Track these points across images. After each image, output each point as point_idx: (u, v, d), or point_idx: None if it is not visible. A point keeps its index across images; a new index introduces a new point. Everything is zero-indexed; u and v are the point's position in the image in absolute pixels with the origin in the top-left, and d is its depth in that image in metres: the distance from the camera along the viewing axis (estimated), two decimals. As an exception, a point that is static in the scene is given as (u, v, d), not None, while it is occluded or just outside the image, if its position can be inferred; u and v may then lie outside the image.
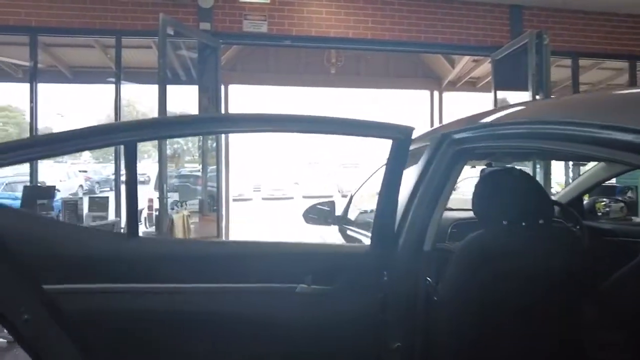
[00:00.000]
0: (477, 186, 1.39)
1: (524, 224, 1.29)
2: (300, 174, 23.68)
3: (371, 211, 2.57)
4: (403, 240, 1.26)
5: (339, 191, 20.96)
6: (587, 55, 5.85)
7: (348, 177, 21.80)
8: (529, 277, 1.24)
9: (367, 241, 2.02)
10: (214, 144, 5.90)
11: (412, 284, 1.25)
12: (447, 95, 8.61)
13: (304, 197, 19.69)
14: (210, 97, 5.74)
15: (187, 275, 1.16)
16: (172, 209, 5.00)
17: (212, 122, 1.33)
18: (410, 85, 9.04)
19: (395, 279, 1.24)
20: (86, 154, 38.24)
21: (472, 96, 9.05)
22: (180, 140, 6.94)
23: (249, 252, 1.29)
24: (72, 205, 4.25)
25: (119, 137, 1.12)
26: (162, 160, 4.54)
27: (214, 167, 5.77)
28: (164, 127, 1.26)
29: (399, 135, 1.14)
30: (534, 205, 1.32)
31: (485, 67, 7.59)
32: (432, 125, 8.54)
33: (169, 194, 4.88)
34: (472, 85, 8.59)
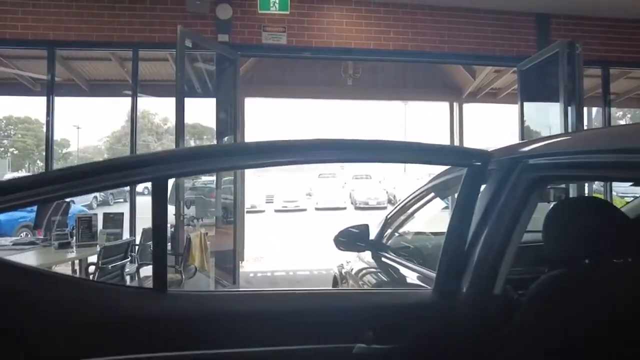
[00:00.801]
0: (549, 217, 1.20)
1: (609, 262, 1.10)
2: (313, 186, 23.49)
3: (408, 234, 2.38)
4: (470, 283, 1.08)
5: (352, 203, 20.72)
6: (618, 64, 5.62)
7: (361, 188, 21.55)
8: (619, 328, 1.03)
9: (405, 271, 1.84)
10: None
11: (481, 335, 1.06)
12: (467, 106, 8.40)
13: (316, 209, 19.48)
14: (228, 110, 5.64)
15: (226, 337, 0.98)
16: (189, 225, 4.87)
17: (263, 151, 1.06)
18: (430, 97, 8.86)
19: (463, 331, 1.05)
20: (101, 165, 38.51)
21: (493, 108, 8.85)
22: None
23: (297, 307, 1.08)
24: (86, 222, 4.12)
25: (146, 172, 0.94)
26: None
27: (229, 178, 5.64)
28: (211, 157, 1.02)
29: (475, 162, 0.96)
30: (622, 240, 1.12)
31: (506, 78, 7.38)
32: (452, 137, 8.32)
33: (186, 211, 4.75)
34: (493, 96, 8.38)
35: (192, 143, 6.32)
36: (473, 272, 1.08)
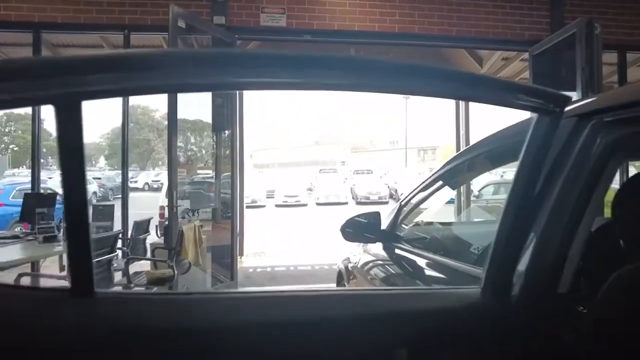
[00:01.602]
0: (623, 195, 0.93)
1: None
2: (314, 181, 23.23)
3: (425, 224, 2.12)
4: (527, 279, 0.82)
5: (353, 198, 20.45)
6: (636, 49, 5.33)
7: (362, 183, 21.28)
8: None
9: (427, 264, 1.59)
10: (227, 151, 5.52)
11: (542, 345, 0.80)
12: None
13: (317, 204, 19.21)
14: (225, 101, 5.38)
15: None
16: (184, 217, 4.63)
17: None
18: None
19: (519, 340, 0.79)
20: (101, 161, 38.47)
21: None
22: (194, 147, 6.54)
23: (293, 315, 0.76)
24: (74, 214, 3.87)
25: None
26: (172, 166, 4.17)
27: (228, 173, 5.40)
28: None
29: (551, 106, 0.70)
30: None
31: (515, 66, 7.09)
32: (457, 129, 8.04)
33: (180, 202, 4.50)
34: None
35: (192, 140, 6.05)
36: (531, 266, 0.82)
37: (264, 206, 18.55)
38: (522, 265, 0.84)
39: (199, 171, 5.40)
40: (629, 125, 0.80)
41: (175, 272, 3.54)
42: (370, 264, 2.12)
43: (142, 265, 4.55)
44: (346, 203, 19.37)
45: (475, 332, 0.80)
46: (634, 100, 0.80)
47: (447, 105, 8.36)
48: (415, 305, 0.81)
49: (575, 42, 4.23)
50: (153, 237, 5.08)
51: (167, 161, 4.44)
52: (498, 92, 0.73)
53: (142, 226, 4.32)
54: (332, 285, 3.18)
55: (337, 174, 26.58)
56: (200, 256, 4.00)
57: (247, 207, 13.70)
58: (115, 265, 3.52)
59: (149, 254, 4.30)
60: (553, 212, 0.83)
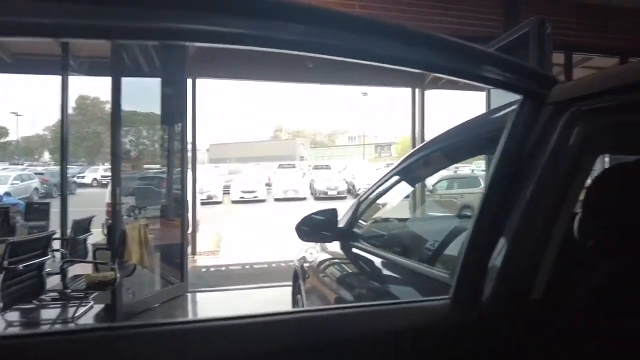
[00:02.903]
0: (595, 190, 0.86)
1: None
2: (272, 176, 22.95)
3: (383, 220, 2.03)
4: (498, 285, 0.72)
5: (312, 194, 20.38)
6: (581, 50, 5.56)
7: (321, 179, 21.26)
8: None
9: (386, 265, 1.49)
10: (180, 145, 5.23)
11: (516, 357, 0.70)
12: (429, 93, 8.22)
13: (276, 199, 18.98)
14: (174, 92, 5.08)
15: None
16: (130, 216, 4.32)
17: None
18: (392, 83, 8.59)
19: (491, 353, 0.69)
20: (46, 156, 36.04)
21: (455, 95, 8.75)
22: (147, 141, 6.13)
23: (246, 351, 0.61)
24: (1, 214, 3.49)
25: None
26: (115, 160, 3.86)
27: (179, 168, 5.12)
28: None
29: (536, 87, 0.60)
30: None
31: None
32: (413, 125, 8.13)
33: (126, 199, 4.20)
34: (456, 83, 8.24)
35: (144, 134, 5.69)
36: (505, 270, 0.73)
37: (220, 202, 18.08)
38: (495, 270, 0.74)
39: (146, 166, 5.07)
40: (609, 115, 0.72)
41: (118, 275, 3.26)
42: (327, 264, 2.00)
43: (86, 268, 4.22)
44: (305, 199, 19.27)
45: (446, 349, 0.70)
46: (615, 87, 0.72)
47: (404, 102, 8.44)
48: (376, 327, 0.69)
49: (529, 40, 4.32)
50: (99, 237, 4.72)
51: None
52: (479, 65, 0.62)
53: (83, 226, 3.98)
54: (287, 289, 3.04)
55: (296, 169, 26.42)
56: (147, 257, 3.73)
57: (202, 203, 13.27)
58: (50, 269, 3.19)
59: (90, 256, 3.97)
60: (528, 212, 0.74)
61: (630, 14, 5.45)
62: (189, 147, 7.16)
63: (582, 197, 0.86)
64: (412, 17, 4.84)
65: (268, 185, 21.34)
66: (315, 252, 2.18)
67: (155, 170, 5.33)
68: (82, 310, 3.31)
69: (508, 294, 0.72)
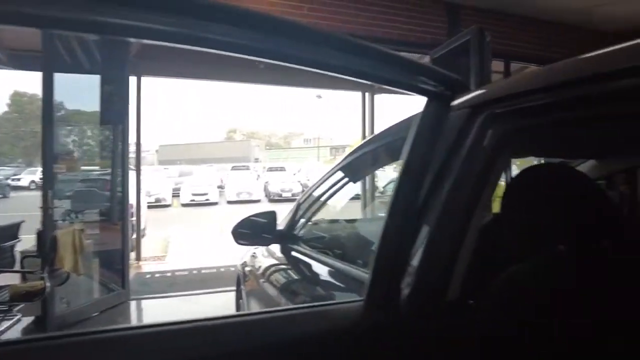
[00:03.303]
0: (509, 193, 0.89)
1: (590, 247, 0.82)
2: (225, 178, 22.49)
3: (326, 222, 2.02)
4: (414, 286, 0.72)
5: (266, 196, 20.18)
6: (517, 59, 5.89)
7: (275, 180, 21.10)
8: (609, 330, 0.76)
9: (321, 267, 1.47)
10: (120, 145, 4.98)
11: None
12: (378, 97, 8.38)
13: (229, 202, 18.60)
14: (115, 90, 4.83)
15: None
16: (64, 220, 4.05)
17: None
18: (342, 85, 8.68)
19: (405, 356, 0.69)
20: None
21: (404, 99, 8.98)
22: (85, 141, 5.77)
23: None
24: None
25: None
26: (47, 162, 3.61)
27: (120, 169, 4.87)
28: None
29: (442, 89, 0.60)
30: (599, 221, 0.85)
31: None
32: (364, 128, 8.26)
33: (60, 203, 3.93)
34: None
35: (83, 133, 5.36)
36: (420, 271, 0.73)
37: (169, 205, 17.46)
38: (410, 271, 0.74)
39: (84, 167, 4.78)
40: (520, 118, 0.75)
41: (48, 284, 3.02)
42: (265, 267, 1.96)
43: (13, 278, 3.89)
44: (259, 201, 19.03)
45: (360, 352, 0.69)
46: (526, 90, 0.74)
47: (356, 105, 8.55)
48: (290, 331, 0.67)
49: (469, 48, 4.51)
50: (30, 244, 4.37)
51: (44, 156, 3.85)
52: (380, 67, 0.62)
53: (9, 232, 3.68)
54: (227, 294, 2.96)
55: (249, 171, 26.06)
56: (81, 263, 3.51)
57: (150, 206, 12.75)
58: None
59: (18, 264, 3.67)
60: (443, 212, 0.75)
61: (566, 29, 5.85)
62: (133, 147, 6.87)
63: (499, 198, 0.89)
64: (365, 22, 4.92)
65: (220, 187, 20.89)
66: (256, 256, 2.13)
67: (94, 172, 5.04)
68: (6, 323, 3.04)
69: (423, 294, 0.72)
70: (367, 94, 8.42)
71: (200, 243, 9.29)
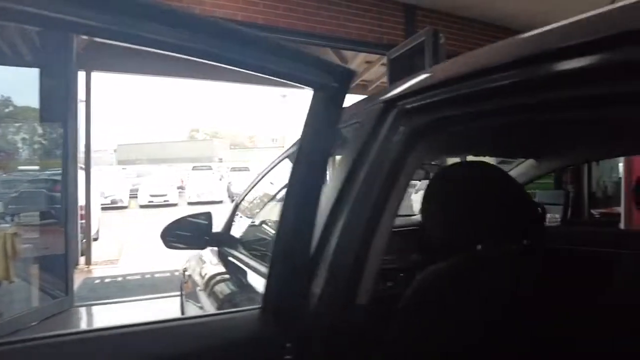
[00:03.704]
0: (428, 192, 0.86)
1: (506, 247, 0.80)
2: (185, 178, 21.91)
3: (263, 224, 1.94)
4: (323, 289, 0.67)
5: (229, 196, 19.80)
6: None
7: (239, 181, 20.77)
8: (520, 329, 0.74)
9: (252, 272, 1.40)
10: (66, 144, 4.70)
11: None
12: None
13: (189, 203, 18.11)
14: (58, 86, 4.55)
15: None
16: (-1, 223, 3.77)
17: None
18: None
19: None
20: None
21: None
22: (23, 138, 5.40)
23: None
24: None
25: None
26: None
27: (72, 169, 4.59)
28: None
29: (329, 80, 0.55)
30: (519, 220, 0.83)
31: (376, 70, 7.52)
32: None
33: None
34: (363, 88, 8.52)
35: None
36: (326, 274, 0.67)
37: (126, 207, 16.82)
38: (319, 278, 0.69)
39: (21, 167, 4.48)
40: (428, 113, 0.71)
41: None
42: (200, 272, 1.87)
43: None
44: (221, 202, 18.65)
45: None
46: (430, 85, 0.70)
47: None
48: (185, 343, 0.60)
49: (424, 49, 4.57)
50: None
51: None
52: (262, 55, 0.56)
53: None
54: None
55: (212, 171, 25.53)
56: (13, 270, 3.27)
57: (104, 208, 12.21)
58: None
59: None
60: (352, 212, 0.70)
61: (512, 34, 6.02)
62: (82, 146, 6.53)
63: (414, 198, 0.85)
64: (323, 21, 4.88)
65: (181, 188, 20.34)
66: (198, 259, 2.03)
67: (35, 172, 4.73)
68: None
69: (329, 299, 0.67)
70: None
71: (156, 246, 8.95)
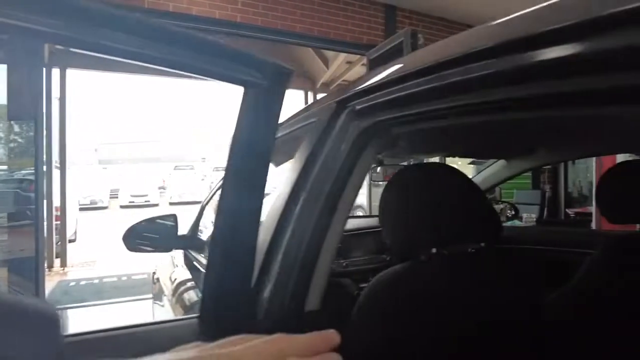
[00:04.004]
0: (383, 195, 0.85)
1: (462, 251, 0.79)
2: (167, 178, 21.61)
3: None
4: (270, 295, 0.64)
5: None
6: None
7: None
8: (480, 329, 0.73)
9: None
10: (37, 141, 4.56)
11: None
12: (320, 96, 8.39)
13: (171, 203, 17.86)
14: (26, 81, 4.41)
15: None
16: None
17: None
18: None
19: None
20: None
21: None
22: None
23: None
24: None
25: None
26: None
27: (34, 168, 4.45)
28: None
29: (256, 77, 0.53)
30: (476, 221, 0.82)
31: (356, 71, 7.53)
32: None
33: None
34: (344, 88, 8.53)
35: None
36: (275, 279, 0.65)
37: (106, 207, 16.51)
38: (266, 283, 0.66)
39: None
40: (374, 114, 0.69)
41: None
42: (167, 275, 1.83)
43: None
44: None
45: None
46: (376, 85, 0.69)
47: (297, 98, 8.53)
48: (113, 357, 0.57)
49: (403, 49, 4.58)
50: None
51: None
52: (190, 54, 0.53)
53: None
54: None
55: (194, 170, 25.24)
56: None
57: (83, 209, 11.97)
58: None
59: None
60: (302, 213, 0.68)
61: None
62: (56, 145, 6.36)
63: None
64: (302, 20, 4.86)
65: (162, 188, 20.06)
66: (163, 263, 1.99)
67: (5, 172, 4.58)
68: None
69: (277, 306, 0.65)
70: (309, 93, 8.44)
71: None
